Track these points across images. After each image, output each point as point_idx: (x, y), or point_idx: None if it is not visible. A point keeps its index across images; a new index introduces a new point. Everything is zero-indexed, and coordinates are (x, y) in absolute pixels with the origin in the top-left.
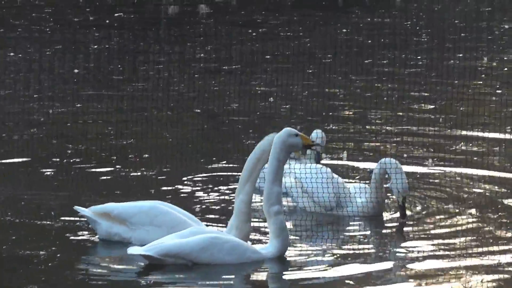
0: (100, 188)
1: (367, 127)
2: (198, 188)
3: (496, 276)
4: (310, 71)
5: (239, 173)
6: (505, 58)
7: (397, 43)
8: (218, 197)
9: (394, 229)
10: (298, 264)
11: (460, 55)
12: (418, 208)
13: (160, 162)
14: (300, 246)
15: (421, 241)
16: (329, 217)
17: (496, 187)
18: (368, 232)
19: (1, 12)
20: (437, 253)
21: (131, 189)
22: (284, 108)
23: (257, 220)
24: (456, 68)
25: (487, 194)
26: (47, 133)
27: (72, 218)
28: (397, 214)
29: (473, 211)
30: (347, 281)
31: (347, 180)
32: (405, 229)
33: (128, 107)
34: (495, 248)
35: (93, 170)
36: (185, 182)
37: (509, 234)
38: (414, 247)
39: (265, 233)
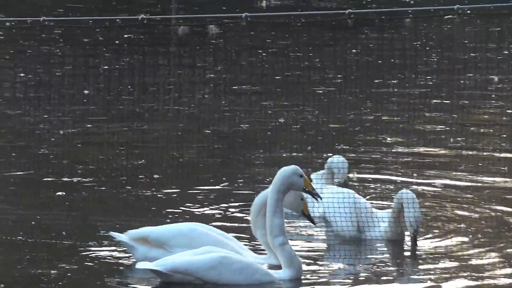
0: (111, 208)
1: (377, 147)
2: (209, 208)
3: None
4: (320, 91)
5: (248, 192)
6: None
7: (406, 63)
8: (230, 217)
9: (413, 252)
10: (311, 284)
11: (470, 75)
12: (436, 230)
13: (171, 182)
14: (315, 266)
15: (442, 263)
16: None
17: (510, 208)
18: (386, 255)
19: (11, 32)
20: (460, 274)
21: (142, 210)
22: (295, 129)
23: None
24: (466, 88)
25: (500, 214)
26: (57, 154)
27: (83, 238)
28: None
29: (491, 230)
30: None
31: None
32: (424, 251)
33: (138, 128)
34: None
35: (104, 190)
36: (196, 202)
37: None
38: (434, 269)
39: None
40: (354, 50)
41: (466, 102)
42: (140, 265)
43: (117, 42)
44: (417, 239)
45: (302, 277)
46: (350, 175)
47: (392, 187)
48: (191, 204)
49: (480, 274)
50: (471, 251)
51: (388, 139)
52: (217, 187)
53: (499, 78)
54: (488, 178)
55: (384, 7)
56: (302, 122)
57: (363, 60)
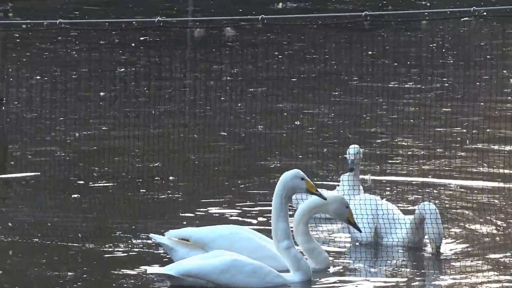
0: (127, 211)
1: (393, 148)
2: (225, 210)
3: None
4: (336, 93)
5: (264, 194)
6: None
7: (422, 65)
8: (245, 218)
9: (431, 259)
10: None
11: (486, 77)
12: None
13: (187, 184)
14: (331, 269)
15: (461, 267)
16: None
17: None
18: (403, 261)
19: (27, 35)
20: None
21: (158, 212)
22: (310, 131)
23: None
24: (482, 90)
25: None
26: (73, 156)
27: (99, 241)
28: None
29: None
30: None
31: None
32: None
33: (154, 130)
34: None
35: (120, 193)
36: (212, 205)
37: None
38: (453, 273)
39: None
40: (370, 52)
41: (482, 104)
42: (151, 270)
43: (133, 44)
44: (440, 251)
45: (316, 279)
46: (366, 177)
47: (408, 189)
48: (207, 207)
49: (501, 277)
50: (491, 255)
51: (404, 140)
52: (232, 189)
53: None
54: (506, 179)
55: (400, 9)
56: (317, 124)
57: (379, 62)
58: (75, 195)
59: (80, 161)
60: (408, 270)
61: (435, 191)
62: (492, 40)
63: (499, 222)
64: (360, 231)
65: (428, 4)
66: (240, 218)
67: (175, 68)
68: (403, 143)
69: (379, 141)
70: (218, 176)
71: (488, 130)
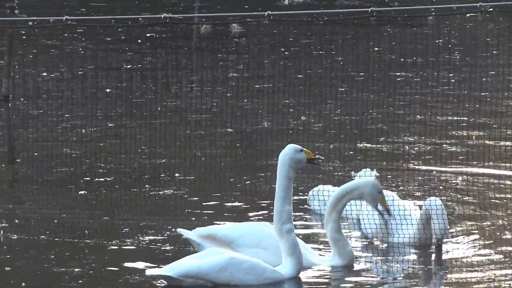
0: (133, 207)
1: (399, 144)
2: (231, 206)
3: None
4: (342, 89)
5: (269, 190)
6: None
7: (429, 61)
8: (251, 214)
9: (437, 257)
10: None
11: (492, 72)
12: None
13: (193, 181)
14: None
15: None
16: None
17: None
18: (410, 258)
19: (34, 32)
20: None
21: (164, 208)
22: (316, 127)
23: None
24: (488, 85)
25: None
26: (79, 152)
27: (106, 237)
28: (446, 244)
29: None
30: None
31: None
32: (449, 251)
33: (161, 126)
34: None
35: (126, 189)
36: (218, 200)
37: None
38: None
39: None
40: (376, 48)
41: (488, 99)
42: (150, 271)
43: (139, 41)
44: (442, 246)
45: (312, 275)
46: (372, 173)
47: (414, 185)
48: (213, 202)
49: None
50: (501, 249)
51: (410, 136)
52: (238, 185)
53: None
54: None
55: (406, 5)
56: (323, 120)
57: (385, 57)
58: (82, 192)
59: (87, 158)
60: (416, 267)
61: (441, 187)
62: (499, 36)
63: (506, 215)
64: (391, 215)
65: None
66: (245, 214)
67: (181, 64)
68: (410, 139)
69: (383, 138)
70: (224, 172)
71: (494, 126)
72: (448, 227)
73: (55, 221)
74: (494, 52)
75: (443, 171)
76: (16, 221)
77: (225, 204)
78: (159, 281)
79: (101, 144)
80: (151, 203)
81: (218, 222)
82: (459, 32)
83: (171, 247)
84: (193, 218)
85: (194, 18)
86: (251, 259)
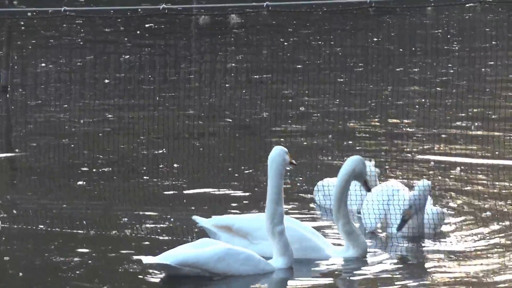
0: (132, 198)
1: (398, 134)
2: (230, 196)
3: None
4: (341, 79)
5: (266, 177)
6: None
7: (427, 51)
8: (250, 204)
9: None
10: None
11: (491, 63)
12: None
13: (191, 171)
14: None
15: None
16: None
17: None
18: (397, 252)
19: (32, 23)
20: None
21: (163, 199)
22: (315, 117)
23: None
24: (487, 76)
25: None
26: (78, 143)
27: (104, 227)
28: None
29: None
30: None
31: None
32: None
33: (159, 117)
34: None
35: (125, 180)
36: (217, 191)
37: None
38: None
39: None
40: (375, 39)
41: (487, 90)
42: (147, 260)
43: (138, 32)
44: (405, 224)
45: (326, 267)
46: (369, 163)
47: (412, 174)
48: (212, 193)
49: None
50: (498, 238)
51: (409, 126)
52: (236, 175)
53: None
54: (509, 165)
55: None
56: (322, 111)
57: (384, 48)
58: (80, 182)
59: (85, 148)
60: (409, 260)
61: (440, 177)
62: (498, 26)
63: (504, 204)
64: (370, 191)
65: None
66: (244, 204)
67: (180, 55)
68: (408, 129)
69: (382, 129)
70: (223, 162)
71: (493, 116)
72: (420, 204)
73: (54, 211)
74: (493, 42)
75: (441, 161)
76: (15, 211)
77: (224, 194)
78: (156, 270)
79: (100, 134)
80: (150, 193)
81: (217, 213)
82: (458, 22)
83: (170, 238)
84: (193, 208)
85: (193, 9)
86: (247, 251)
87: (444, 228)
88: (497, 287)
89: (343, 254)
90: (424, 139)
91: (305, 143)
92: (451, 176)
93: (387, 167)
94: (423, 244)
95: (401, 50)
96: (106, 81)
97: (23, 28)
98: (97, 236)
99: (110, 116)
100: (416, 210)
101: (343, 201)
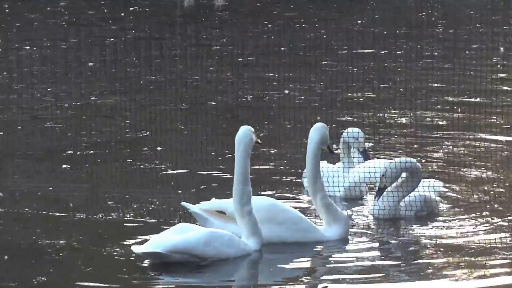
0: (117, 180)
1: (382, 118)
2: (215, 179)
3: None
4: (326, 62)
5: (251, 163)
6: None
7: (412, 34)
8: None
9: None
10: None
11: (476, 46)
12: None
13: (175, 155)
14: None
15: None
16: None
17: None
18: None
19: (17, 5)
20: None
21: (147, 181)
22: (299, 100)
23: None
24: (472, 58)
25: (504, 185)
26: (62, 126)
27: (90, 210)
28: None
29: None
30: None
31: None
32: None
33: (143, 100)
34: None
35: (109, 162)
36: (201, 174)
37: None
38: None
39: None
40: (359, 22)
41: (472, 73)
42: (137, 249)
43: (122, 14)
44: (381, 192)
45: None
46: (367, 145)
47: (396, 155)
48: (196, 176)
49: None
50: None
51: (394, 108)
52: (220, 158)
53: (505, 49)
54: (492, 149)
55: None
56: (306, 93)
57: (368, 31)
58: (66, 165)
59: (69, 131)
60: (412, 240)
61: (423, 160)
62: (481, 8)
63: (490, 190)
64: (333, 153)
65: None
66: (230, 186)
67: (164, 38)
68: (393, 111)
69: (366, 111)
70: (206, 145)
71: (478, 99)
72: (392, 173)
73: (39, 194)
74: (477, 25)
75: (425, 141)
76: (1, 194)
77: (208, 177)
78: (144, 258)
79: (84, 117)
80: (135, 176)
81: (202, 195)
82: (442, 5)
83: (155, 220)
84: (179, 191)
85: None
86: (228, 233)
87: (429, 213)
88: (480, 271)
89: (330, 232)
90: (409, 120)
91: (288, 125)
92: (435, 160)
93: (370, 150)
94: (403, 227)
95: (385, 32)
96: (90, 64)
97: (7, 11)
98: (83, 219)
99: (94, 98)
100: (387, 180)
101: (318, 173)
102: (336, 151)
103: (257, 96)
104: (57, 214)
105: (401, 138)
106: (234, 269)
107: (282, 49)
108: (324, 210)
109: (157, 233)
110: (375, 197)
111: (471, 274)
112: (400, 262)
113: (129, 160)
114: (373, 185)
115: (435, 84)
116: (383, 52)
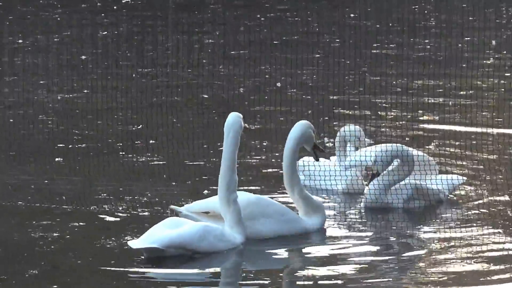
0: (110, 173)
1: (374, 111)
2: (208, 172)
3: None
4: (318, 55)
5: (243, 156)
6: None
7: (404, 27)
8: None
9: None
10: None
11: (468, 38)
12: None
13: (167, 147)
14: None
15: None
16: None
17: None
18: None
19: None
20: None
21: (140, 175)
22: (292, 93)
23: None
24: (464, 51)
25: (496, 179)
26: (54, 119)
27: (83, 203)
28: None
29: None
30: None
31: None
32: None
33: (136, 93)
34: None
35: (102, 156)
36: (194, 167)
37: None
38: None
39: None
40: (352, 14)
41: (464, 65)
42: (133, 244)
43: (115, 7)
44: (373, 177)
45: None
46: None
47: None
48: (188, 169)
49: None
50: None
51: (385, 103)
52: (212, 151)
53: (497, 42)
54: (484, 142)
55: None
56: (299, 87)
57: (361, 24)
58: (58, 158)
59: (62, 125)
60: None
61: (414, 153)
62: (474, 1)
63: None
64: (324, 151)
65: None
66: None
67: (157, 31)
68: (385, 105)
69: (359, 105)
70: (198, 138)
71: (471, 92)
72: (382, 159)
73: (32, 187)
74: (470, 18)
75: (417, 135)
76: None
77: (201, 170)
78: (139, 252)
79: (77, 110)
80: (128, 169)
81: (195, 188)
82: None
83: (148, 213)
84: (174, 183)
85: None
86: (218, 227)
87: (416, 203)
88: (462, 262)
89: (311, 222)
90: (402, 113)
91: (281, 118)
92: (429, 148)
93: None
94: (396, 220)
95: (378, 25)
96: (83, 57)
97: (0, 3)
98: (76, 211)
99: (86, 91)
100: (379, 166)
101: (295, 167)
102: (327, 144)
103: (272, 83)
104: (49, 206)
105: (393, 130)
106: (224, 259)
107: (275, 42)
108: (303, 202)
109: (149, 225)
110: (367, 184)
111: (463, 266)
112: (391, 257)
113: (122, 152)
114: (367, 171)
115: (427, 78)
116: (375, 44)
